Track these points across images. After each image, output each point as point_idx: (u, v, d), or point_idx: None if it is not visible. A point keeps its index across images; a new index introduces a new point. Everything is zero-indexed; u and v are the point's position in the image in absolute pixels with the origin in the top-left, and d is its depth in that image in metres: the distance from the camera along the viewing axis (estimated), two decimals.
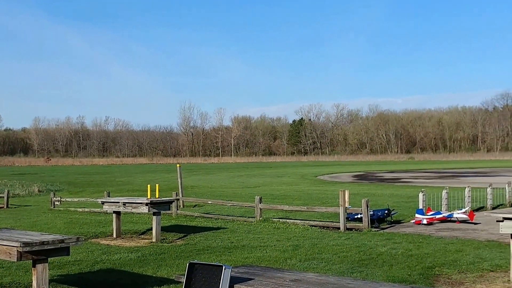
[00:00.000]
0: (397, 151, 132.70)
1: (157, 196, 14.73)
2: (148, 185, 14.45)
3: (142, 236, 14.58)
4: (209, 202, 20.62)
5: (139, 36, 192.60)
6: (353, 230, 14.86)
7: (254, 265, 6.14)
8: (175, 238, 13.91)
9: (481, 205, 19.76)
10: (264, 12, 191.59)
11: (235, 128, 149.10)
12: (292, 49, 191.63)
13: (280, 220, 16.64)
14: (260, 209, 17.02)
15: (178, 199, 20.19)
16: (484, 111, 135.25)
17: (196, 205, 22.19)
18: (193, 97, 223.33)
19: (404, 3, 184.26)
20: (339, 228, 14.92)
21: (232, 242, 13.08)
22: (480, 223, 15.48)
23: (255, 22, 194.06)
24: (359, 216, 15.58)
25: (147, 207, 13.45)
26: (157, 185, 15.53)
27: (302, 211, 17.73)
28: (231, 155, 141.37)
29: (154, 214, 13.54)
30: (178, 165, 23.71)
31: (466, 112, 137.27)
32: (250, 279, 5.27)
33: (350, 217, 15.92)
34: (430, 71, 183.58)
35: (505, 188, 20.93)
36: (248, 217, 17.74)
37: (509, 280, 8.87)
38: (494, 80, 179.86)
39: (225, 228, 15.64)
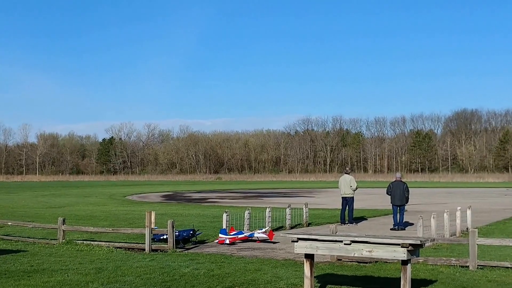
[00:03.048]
0: (206, 171, 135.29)
1: None
2: None
3: None
4: (9, 223, 19.18)
5: None
6: (159, 251, 14.76)
7: None
8: None
9: (281, 225, 20.71)
10: (72, 25, 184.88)
11: (40, 145, 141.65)
12: (105, 66, 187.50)
13: (84, 242, 16.02)
14: (63, 230, 16.23)
15: None
16: (286, 134, 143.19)
17: None
18: None
19: (218, 28, 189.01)
20: (144, 250, 14.75)
21: (32, 265, 12.34)
22: (278, 242, 16.20)
23: (62, 35, 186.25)
24: (165, 237, 15.52)
25: None
26: None
27: (107, 232, 17.22)
28: (36, 173, 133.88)
29: None
30: None
31: (271, 135, 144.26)
32: None
33: (156, 238, 15.79)
34: (237, 95, 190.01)
35: (303, 208, 22.18)
36: (51, 239, 16.80)
37: None
38: (296, 106, 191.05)
39: (26, 251, 14.70)
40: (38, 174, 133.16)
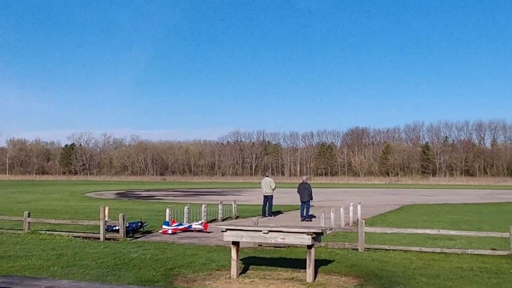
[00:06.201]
0: (153, 173, 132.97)
1: None
2: None
3: None
4: None
5: None
6: (111, 239, 14.37)
7: (13, 275, 5.55)
8: None
9: (214, 218, 20.60)
10: (40, 44, 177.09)
11: (10, 149, 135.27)
12: (68, 81, 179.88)
13: (47, 232, 15.37)
14: (29, 222, 15.55)
15: None
16: (220, 144, 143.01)
17: None
18: None
19: (167, 46, 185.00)
20: (99, 238, 14.33)
21: None
22: (212, 232, 16.12)
23: (33, 50, 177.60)
24: (117, 227, 15.13)
25: None
26: None
27: (67, 224, 16.64)
28: (6, 173, 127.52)
29: None
30: None
31: (207, 144, 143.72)
32: None
33: (109, 229, 15.34)
34: (180, 109, 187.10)
35: (232, 204, 22.23)
36: (17, 229, 16.03)
37: (230, 277, 9.36)
38: (228, 120, 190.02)
39: None
40: (8, 173, 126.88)
